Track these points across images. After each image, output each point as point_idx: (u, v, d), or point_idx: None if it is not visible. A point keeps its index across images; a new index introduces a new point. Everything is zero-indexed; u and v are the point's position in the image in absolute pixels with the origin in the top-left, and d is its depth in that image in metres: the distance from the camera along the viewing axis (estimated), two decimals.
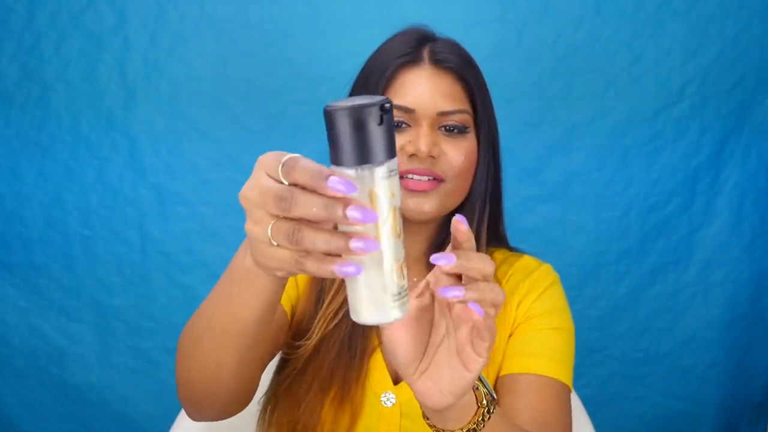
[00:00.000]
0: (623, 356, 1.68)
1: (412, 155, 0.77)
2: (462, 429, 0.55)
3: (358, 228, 0.43)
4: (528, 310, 0.85)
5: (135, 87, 1.55)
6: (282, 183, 0.42)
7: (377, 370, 0.81)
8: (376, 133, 0.42)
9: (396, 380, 0.82)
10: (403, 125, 0.79)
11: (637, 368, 1.68)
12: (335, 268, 0.42)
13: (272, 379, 0.86)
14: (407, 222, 0.81)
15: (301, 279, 0.85)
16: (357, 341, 0.80)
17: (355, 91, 0.82)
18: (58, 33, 1.53)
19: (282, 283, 0.51)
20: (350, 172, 0.42)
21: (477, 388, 0.56)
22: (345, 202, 0.41)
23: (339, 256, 0.43)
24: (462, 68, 0.80)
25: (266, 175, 0.43)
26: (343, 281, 0.77)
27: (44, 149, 1.57)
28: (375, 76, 0.79)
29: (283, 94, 1.56)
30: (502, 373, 0.82)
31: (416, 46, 0.80)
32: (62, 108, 1.56)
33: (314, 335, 0.79)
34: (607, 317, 1.66)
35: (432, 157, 0.77)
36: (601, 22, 1.56)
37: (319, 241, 0.42)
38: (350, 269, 0.43)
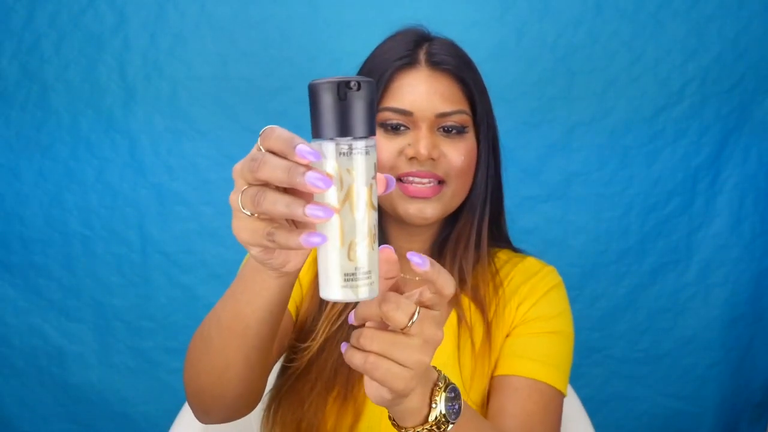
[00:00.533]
0: (623, 356, 1.68)
1: (412, 158, 0.77)
2: (413, 429, 0.55)
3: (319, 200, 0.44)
4: (526, 313, 0.84)
5: (135, 87, 1.55)
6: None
7: None
8: (333, 109, 0.43)
9: None
10: (402, 128, 0.79)
11: (637, 368, 1.68)
12: (302, 237, 0.43)
13: (276, 379, 0.87)
14: (409, 224, 0.82)
15: (305, 280, 0.85)
16: None
17: None
18: (58, 33, 1.53)
19: (286, 281, 0.52)
20: (314, 144, 0.44)
21: (434, 405, 0.55)
22: (307, 168, 0.42)
23: (310, 230, 0.44)
24: (459, 69, 0.80)
25: (255, 147, 0.45)
26: None
27: (44, 149, 1.57)
28: (373, 78, 0.79)
29: (283, 94, 1.56)
30: (495, 373, 0.82)
31: (413, 48, 0.80)
32: (62, 108, 1.56)
33: (319, 336, 0.80)
34: (607, 317, 1.66)
35: (432, 159, 0.77)
36: (601, 22, 1.56)
37: (280, 202, 0.43)
38: (316, 239, 0.43)
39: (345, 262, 0.44)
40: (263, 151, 0.44)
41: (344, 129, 0.43)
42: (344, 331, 0.80)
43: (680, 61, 1.58)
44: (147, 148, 1.58)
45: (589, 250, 1.64)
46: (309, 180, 0.42)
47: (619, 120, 1.60)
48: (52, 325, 1.61)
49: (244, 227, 0.45)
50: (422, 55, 0.79)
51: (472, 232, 0.84)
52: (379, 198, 0.53)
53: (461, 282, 0.84)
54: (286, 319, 0.80)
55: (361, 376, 0.79)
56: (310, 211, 0.42)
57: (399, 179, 0.78)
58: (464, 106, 0.80)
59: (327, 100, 0.43)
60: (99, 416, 1.64)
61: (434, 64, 0.79)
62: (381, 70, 0.79)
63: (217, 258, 1.60)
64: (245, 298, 0.54)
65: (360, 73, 0.83)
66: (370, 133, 0.44)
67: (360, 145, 0.44)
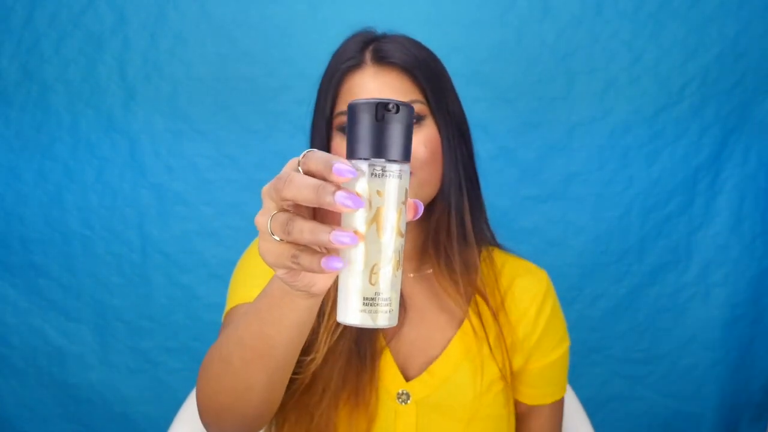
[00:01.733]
0: (623, 356, 1.68)
1: None
2: None
3: (352, 225, 0.44)
4: (540, 335, 0.89)
5: (135, 87, 1.55)
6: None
7: (388, 369, 0.82)
8: (370, 129, 0.43)
9: (407, 377, 0.82)
10: None
11: (637, 368, 1.68)
12: (323, 261, 0.43)
13: None
14: None
15: None
16: (365, 344, 0.80)
17: (318, 98, 0.83)
18: (58, 33, 1.53)
19: (314, 302, 0.52)
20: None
21: None
22: (337, 188, 0.42)
23: (333, 254, 0.44)
24: (404, 61, 0.79)
25: (287, 168, 0.45)
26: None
27: (44, 149, 1.57)
28: (325, 85, 0.81)
29: (283, 94, 1.56)
30: (521, 399, 0.90)
31: (359, 50, 0.81)
32: (62, 108, 1.56)
33: (322, 346, 0.79)
34: (607, 317, 1.66)
35: None
36: (601, 22, 1.56)
37: (306, 229, 0.43)
38: (337, 264, 0.43)
39: (366, 285, 0.44)
40: (295, 171, 0.44)
41: (379, 150, 0.43)
42: (346, 337, 0.80)
43: (680, 61, 1.58)
44: (147, 148, 1.58)
45: (589, 250, 1.64)
46: (338, 200, 0.42)
47: (619, 120, 1.60)
48: (52, 325, 1.61)
49: (271, 250, 0.45)
50: (368, 55, 0.80)
51: (451, 221, 0.83)
52: None
53: (449, 270, 0.84)
54: None
55: (371, 379, 0.79)
56: (336, 238, 0.42)
57: None
58: (417, 96, 0.79)
59: (365, 120, 0.43)
60: (99, 416, 1.64)
61: (380, 59, 0.79)
62: (330, 74, 0.81)
63: (217, 258, 1.60)
64: (271, 319, 0.53)
65: (321, 78, 0.84)
66: (405, 158, 0.44)
67: (394, 168, 0.43)
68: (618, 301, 1.66)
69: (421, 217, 0.85)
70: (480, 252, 0.88)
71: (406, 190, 0.45)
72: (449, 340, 0.84)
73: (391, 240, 0.44)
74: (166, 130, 1.57)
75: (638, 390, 1.69)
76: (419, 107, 0.79)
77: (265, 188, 0.46)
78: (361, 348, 0.80)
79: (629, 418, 1.70)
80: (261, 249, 0.46)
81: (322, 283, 0.49)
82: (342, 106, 0.80)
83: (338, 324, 0.79)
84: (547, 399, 0.91)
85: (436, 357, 0.83)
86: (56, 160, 1.57)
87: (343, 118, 0.79)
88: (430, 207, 0.84)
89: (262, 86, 1.56)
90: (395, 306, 0.45)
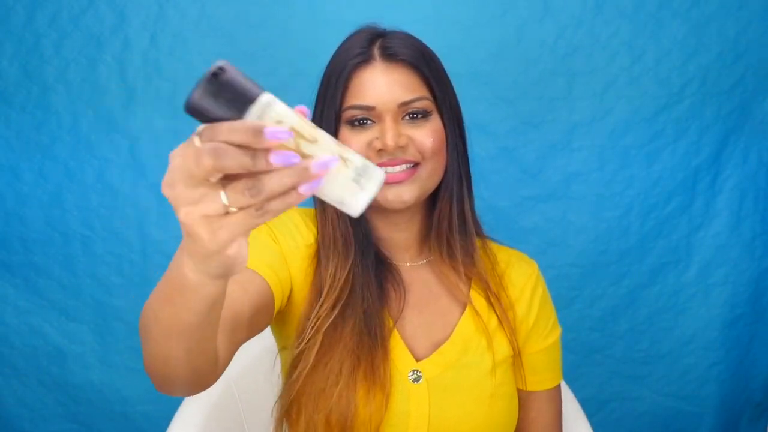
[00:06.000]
0: (623, 356, 1.68)
1: (380, 150, 0.80)
2: None
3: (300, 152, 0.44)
4: (536, 317, 0.93)
5: (135, 87, 1.55)
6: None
7: (398, 349, 0.84)
8: (222, 98, 0.43)
9: (417, 358, 0.85)
10: (368, 122, 0.82)
11: (637, 368, 1.68)
12: (303, 187, 0.42)
13: (283, 384, 0.86)
14: (389, 212, 0.85)
15: (296, 270, 0.84)
16: (374, 323, 0.82)
17: (319, 94, 0.86)
18: (58, 33, 1.53)
19: (224, 283, 0.50)
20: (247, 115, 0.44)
21: None
22: (264, 134, 0.41)
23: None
24: (413, 58, 0.82)
25: (179, 158, 0.42)
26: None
27: (44, 149, 1.57)
28: (333, 79, 0.83)
29: (283, 95, 1.55)
30: (520, 387, 0.92)
31: (367, 45, 0.83)
32: (62, 108, 1.56)
33: (315, 330, 0.80)
34: (607, 317, 1.66)
35: (400, 147, 0.80)
36: (601, 22, 1.56)
37: (283, 176, 0.41)
38: (315, 183, 0.43)
39: (345, 171, 0.45)
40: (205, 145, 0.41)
41: (244, 101, 0.44)
42: (354, 320, 0.81)
43: (680, 61, 1.58)
44: (147, 148, 1.57)
45: (589, 250, 1.64)
46: (275, 160, 0.41)
47: (619, 120, 1.60)
48: (52, 325, 1.61)
49: (226, 227, 0.43)
50: (376, 51, 0.82)
51: (453, 212, 0.88)
52: None
53: (451, 258, 0.89)
54: (264, 296, 0.77)
55: (384, 357, 0.81)
56: (317, 166, 0.42)
57: None
58: (424, 92, 0.83)
59: (214, 97, 0.43)
60: (99, 416, 1.64)
61: (389, 56, 0.82)
62: (339, 70, 0.83)
63: None
64: (183, 303, 0.50)
65: (324, 73, 0.86)
66: (260, 90, 0.45)
67: (263, 100, 0.45)
68: (618, 301, 1.66)
69: (423, 206, 0.89)
70: (487, 250, 0.94)
71: (284, 103, 0.46)
72: (455, 324, 0.88)
73: (318, 134, 0.45)
74: (166, 130, 1.57)
75: (638, 390, 1.69)
76: (425, 103, 0.82)
77: (173, 181, 0.42)
78: (371, 326, 0.82)
79: (629, 418, 1.70)
80: (209, 239, 0.43)
81: (244, 260, 0.46)
82: (351, 100, 0.82)
83: (332, 308, 0.81)
84: (545, 384, 0.94)
85: (444, 339, 0.87)
86: (56, 160, 1.57)
87: (353, 112, 0.81)
88: (432, 197, 0.88)
89: (262, 86, 1.56)
90: (360, 157, 0.47)
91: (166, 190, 0.43)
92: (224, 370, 0.67)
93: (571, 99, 1.59)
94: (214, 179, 0.42)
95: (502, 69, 1.56)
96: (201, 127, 0.43)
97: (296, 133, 0.44)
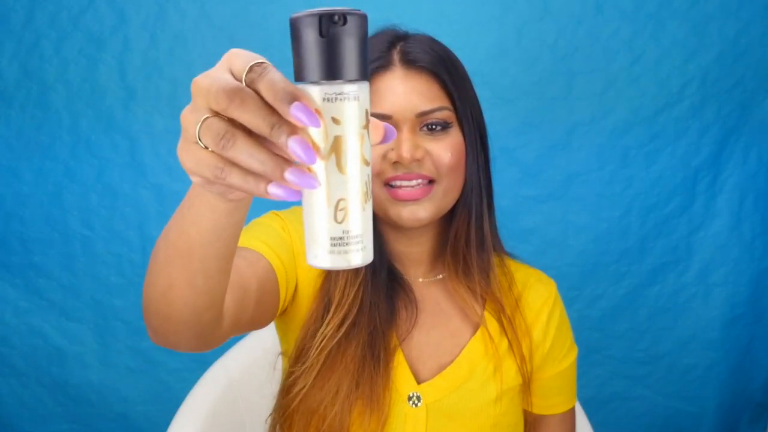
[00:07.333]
0: (623, 356, 1.68)
1: (395, 162, 0.75)
2: None
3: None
4: (552, 342, 0.89)
5: (135, 87, 1.55)
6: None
7: (400, 370, 0.81)
8: (315, 47, 0.36)
9: (418, 380, 0.81)
10: None
11: (637, 368, 1.68)
12: (270, 187, 0.38)
13: (278, 398, 0.84)
14: (405, 228, 0.80)
15: (303, 270, 0.82)
16: (379, 345, 0.79)
17: None
18: (58, 33, 1.53)
19: (235, 207, 0.48)
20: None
21: None
22: (292, 129, 0.37)
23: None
24: (434, 65, 0.77)
25: (228, 71, 0.40)
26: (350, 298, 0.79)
27: (44, 149, 1.57)
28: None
29: None
30: (534, 411, 0.90)
31: (386, 49, 0.78)
32: (62, 108, 1.56)
33: (320, 351, 0.78)
34: (607, 317, 1.66)
35: (417, 160, 0.75)
36: (601, 22, 1.56)
37: (255, 157, 0.37)
38: (278, 191, 0.37)
39: (333, 224, 0.38)
40: (245, 83, 0.37)
41: (331, 71, 0.37)
42: (358, 340, 0.79)
43: (680, 61, 1.58)
44: (147, 148, 1.58)
45: (589, 250, 1.64)
46: (292, 148, 0.37)
47: (619, 120, 1.60)
48: (52, 325, 1.61)
49: (193, 156, 0.40)
50: (396, 56, 0.77)
51: (471, 228, 0.82)
52: (373, 204, 0.47)
53: (467, 276, 0.84)
54: (269, 281, 0.75)
55: (386, 379, 0.78)
56: (292, 178, 0.37)
57: (387, 184, 0.76)
58: (445, 102, 0.77)
59: (308, 38, 0.36)
60: (99, 416, 1.64)
61: (408, 62, 0.77)
62: None
63: None
64: (190, 217, 0.49)
65: None
66: (362, 76, 0.37)
67: (350, 89, 0.37)
68: (618, 301, 1.66)
69: (439, 223, 0.84)
70: (505, 269, 0.89)
71: (367, 111, 0.38)
72: (463, 347, 0.84)
73: (355, 171, 0.38)
74: (166, 130, 1.57)
75: (638, 390, 1.69)
76: (445, 114, 0.77)
77: (202, 84, 0.39)
78: (375, 346, 0.79)
79: (629, 418, 1.70)
80: (180, 149, 0.41)
81: (238, 192, 0.44)
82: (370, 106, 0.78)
83: (338, 327, 0.78)
84: (558, 408, 0.91)
85: (449, 362, 0.83)
86: (56, 160, 1.57)
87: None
88: (450, 213, 0.83)
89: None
90: (368, 242, 0.40)
91: (192, 85, 0.41)
92: (229, 336, 0.65)
93: (571, 99, 1.59)
94: (221, 112, 0.39)
95: (502, 69, 1.56)
96: (256, 61, 0.38)
97: (333, 144, 0.37)
